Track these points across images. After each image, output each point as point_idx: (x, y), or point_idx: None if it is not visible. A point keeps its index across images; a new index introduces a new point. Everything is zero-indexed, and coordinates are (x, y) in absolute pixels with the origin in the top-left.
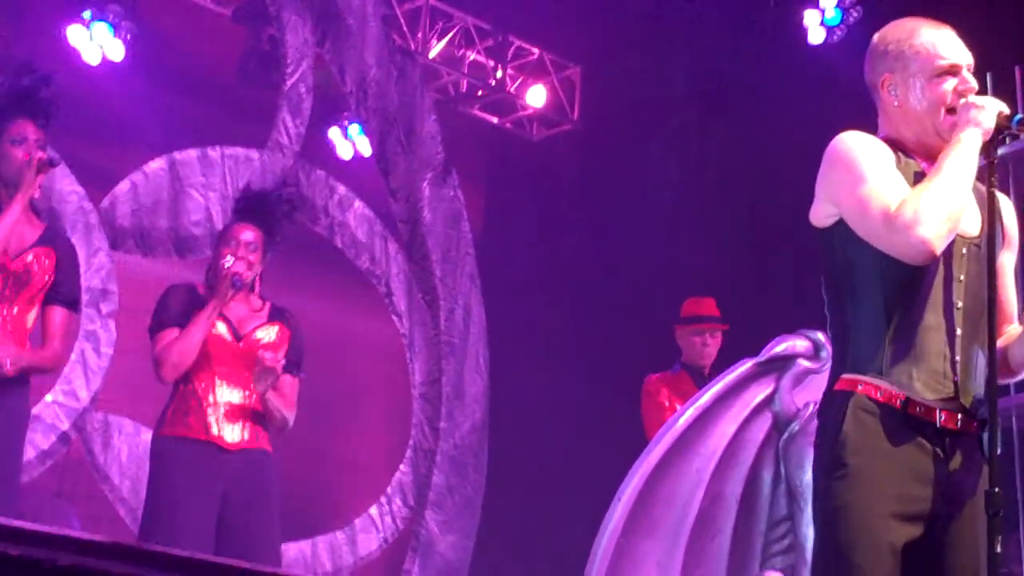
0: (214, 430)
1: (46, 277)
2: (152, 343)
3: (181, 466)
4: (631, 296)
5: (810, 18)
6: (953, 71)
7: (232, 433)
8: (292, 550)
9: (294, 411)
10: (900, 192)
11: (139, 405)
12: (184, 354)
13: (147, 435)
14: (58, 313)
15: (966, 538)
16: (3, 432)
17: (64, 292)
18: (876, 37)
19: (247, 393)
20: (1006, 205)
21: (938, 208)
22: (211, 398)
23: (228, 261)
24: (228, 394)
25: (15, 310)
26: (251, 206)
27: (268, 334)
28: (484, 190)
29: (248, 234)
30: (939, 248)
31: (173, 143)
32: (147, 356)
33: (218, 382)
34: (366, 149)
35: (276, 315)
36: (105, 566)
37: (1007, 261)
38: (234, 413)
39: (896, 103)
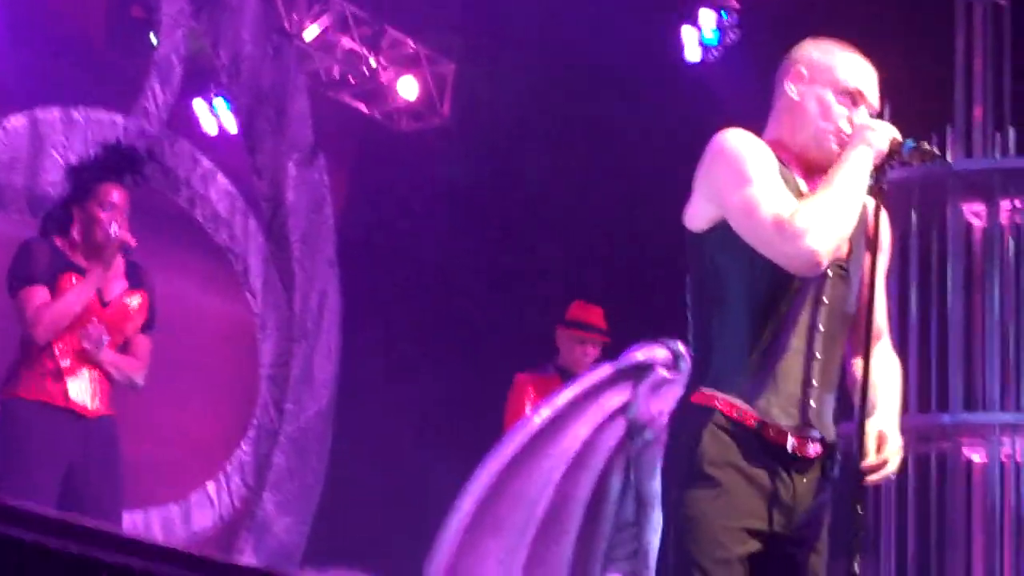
0: (73, 396)
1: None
2: (18, 300)
3: (37, 432)
4: (491, 295)
5: (688, 35)
6: (855, 100)
7: (90, 400)
8: (124, 520)
9: (145, 370)
10: (789, 200)
11: None
12: (63, 318)
13: None
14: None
15: (808, 560)
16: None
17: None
18: (810, 37)
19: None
20: (884, 231)
21: (830, 221)
22: (70, 363)
23: (114, 228)
24: (87, 360)
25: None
26: (121, 164)
27: (132, 301)
28: (348, 178)
29: (118, 195)
30: (826, 261)
31: (36, 101)
32: None
33: (77, 347)
34: (232, 125)
35: (133, 275)
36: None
37: (880, 266)
38: (91, 379)
39: (794, 98)
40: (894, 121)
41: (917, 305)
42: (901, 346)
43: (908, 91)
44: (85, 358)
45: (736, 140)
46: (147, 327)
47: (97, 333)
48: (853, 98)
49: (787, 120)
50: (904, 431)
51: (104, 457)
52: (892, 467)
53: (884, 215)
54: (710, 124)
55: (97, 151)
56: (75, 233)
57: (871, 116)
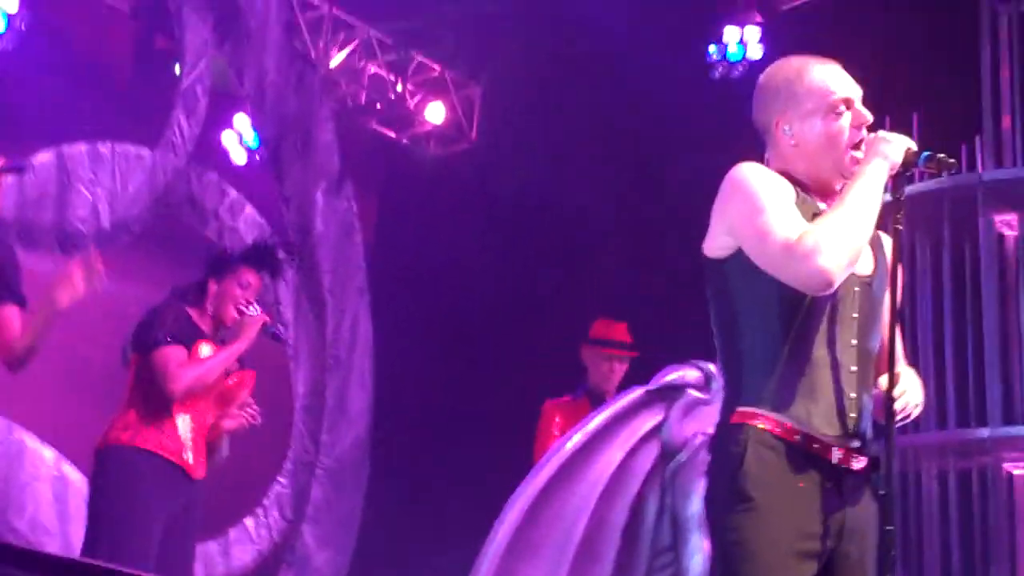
0: (186, 456)
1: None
2: (158, 356)
3: (155, 483)
4: (526, 317)
5: (715, 52)
6: (847, 104)
7: (198, 463)
8: None
9: (228, 447)
10: (800, 223)
11: (12, 403)
12: (203, 381)
13: (19, 434)
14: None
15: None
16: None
17: None
18: (763, 79)
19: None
20: (887, 243)
21: (839, 238)
22: (185, 424)
23: (256, 310)
24: (201, 425)
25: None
26: (265, 259)
27: (247, 378)
28: (377, 205)
29: (253, 279)
30: (838, 279)
31: (62, 136)
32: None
33: (191, 410)
34: (260, 155)
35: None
36: None
37: (896, 292)
38: (201, 444)
39: (793, 143)
40: (923, 132)
41: (952, 318)
42: (937, 360)
43: (936, 102)
44: (198, 423)
45: (750, 173)
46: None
47: (255, 414)
48: (847, 105)
49: (794, 157)
50: (944, 447)
51: (196, 516)
52: (913, 397)
53: (888, 240)
54: (738, 140)
55: (249, 244)
56: (208, 304)
57: (863, 105)
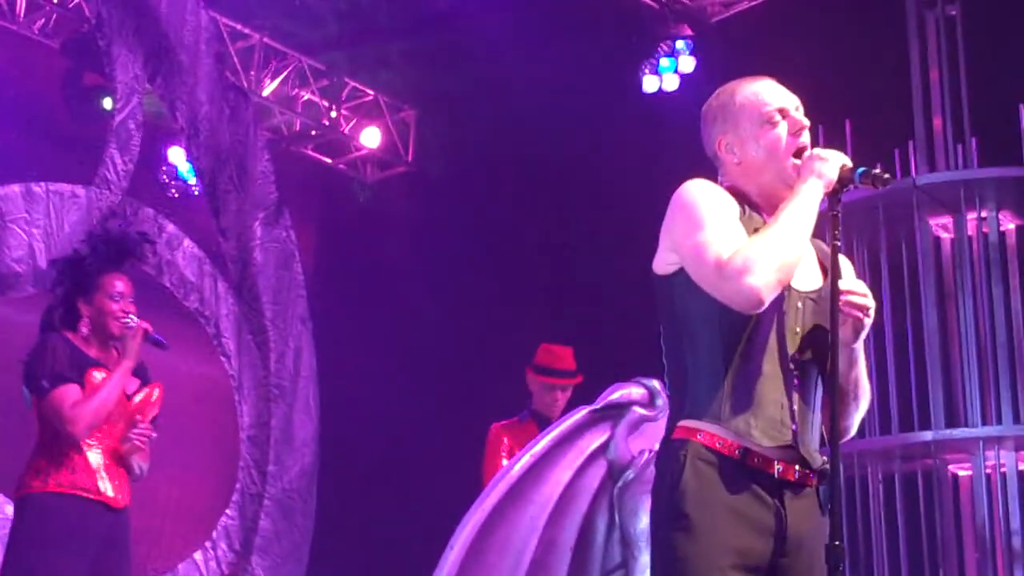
0: (102, 488)
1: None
2: (52, 399)
3: (66, 525)
4: (470, 340)
5: (647, 68)
6: (782, 114)
7: (116, 492)
8: None
9: (148, 463)
10: (736, 241)
11: None
12: (100, 413)
13: None
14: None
15: None
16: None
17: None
18: (703, 109)
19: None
20: (845, 262)
21: (769, 257)
22: (97, 456)
23: (133, 319)
24: (111, 452)
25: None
26: (119, 253)
27: (153, 394)
28: (316, 231)
29: (122, 284)
30: (768, 297)
31: None
32: None
33: (102, 440)
34: (197, 187)
35: (140, 370)
36: None
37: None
38: (116, 472)
39: (736, 161)
40: (856, 138)
41: (891, 323)
42: (879, 365)
43: (868, 109)
44: (110, 451)
45: (695, 189)
46: (154, 420)
47: (148, 431)
48: (782, 114)
49: (740, 174)
50: (888, 451)
51: (124, 546)
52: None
53: (846, 260)
54: (674, 154)
55: (93, 242)
56: (83, 327)
57: (803, 115)
